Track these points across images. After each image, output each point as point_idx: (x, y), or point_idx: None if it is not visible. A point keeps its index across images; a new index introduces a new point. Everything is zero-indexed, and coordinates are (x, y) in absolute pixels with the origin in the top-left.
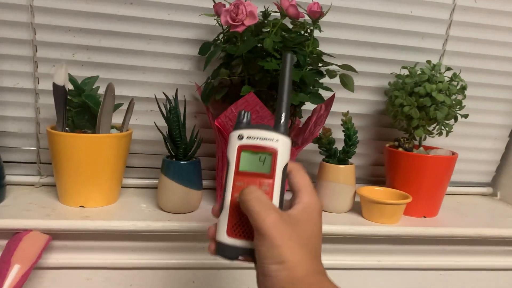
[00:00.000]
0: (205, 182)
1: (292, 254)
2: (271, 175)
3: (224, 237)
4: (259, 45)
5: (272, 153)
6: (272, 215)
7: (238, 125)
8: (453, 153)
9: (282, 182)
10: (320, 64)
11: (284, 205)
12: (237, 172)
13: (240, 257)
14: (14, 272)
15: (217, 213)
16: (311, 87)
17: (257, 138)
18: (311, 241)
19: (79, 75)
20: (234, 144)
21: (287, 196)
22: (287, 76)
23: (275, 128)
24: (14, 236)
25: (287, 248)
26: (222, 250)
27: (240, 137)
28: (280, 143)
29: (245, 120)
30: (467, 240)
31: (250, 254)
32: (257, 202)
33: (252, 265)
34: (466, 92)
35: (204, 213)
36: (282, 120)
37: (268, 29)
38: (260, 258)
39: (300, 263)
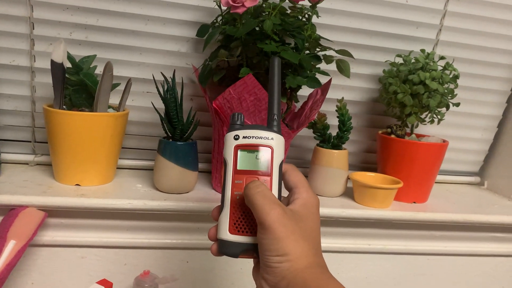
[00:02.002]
0: (200, 165)
1: (295, 247)
2: (269, 172)
3: (227, 234)
4: (257, 28)
5: (268, 151)
6: (276, 210)
7: (232, 127)
8: (444, 141)
9: (279, 179)
10: (317, 49)
11: (281, 202)
12: (236, 171)
13: (242, 253)
14: (10, 248)
15: (217, 215)
16: (308, 71)
17: (253, 137)
18: (312, 235)
19: (77, 54)
20: (230, 144)
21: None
22: (276, 79)
23: (269, 127)
24: (10, 212)
25: (290, 242)
26: (225, 247)
27: (236, 137)
28: (275, 141)
29: (239, 121)
30: (455, 225)
31: (252, 250)
32: (262, 196)
33: None
34: (457, 82)
35: (199, 194)
36: (275, 119)
37: (268, 12)
38: (263, 251)
39: (302, 256)
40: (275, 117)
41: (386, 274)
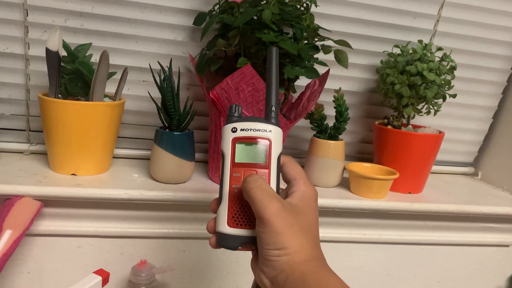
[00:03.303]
0: (197, 155)
1: (293, 241)
2: (267, 165)
3: (225, 228)
4: (255, 17)
5: (266, 143)
6: (275, 204)
7: (230, 119)
8: (440, 132)
9: (277, 171)
10: (316, 39)
11: (280, 194)
12: (234, 164)
13: (241, 246)
14: (6, 237)
15: (215, 208)
16: (306, 62)
17: (251, 130)
18: (311, 229)
19: (71, 42)
20: (228, 137)
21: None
22: (273, 70)
23: (267, 119)
24: (6, 201)
25: (289, 235)
26: (223, 240)
27: (234, 130)
28: (273, 133)
29: (236, 113)
30: (449, 216)
31: (250, 242)
32: (260, 190)
33: None
34: (454, 73)
35: (196, 184)
36: (273, 111)
37: (266, 1)
38: (262, 245)
39: (300, 250)
40: (273, 109)
41: (380, 264)
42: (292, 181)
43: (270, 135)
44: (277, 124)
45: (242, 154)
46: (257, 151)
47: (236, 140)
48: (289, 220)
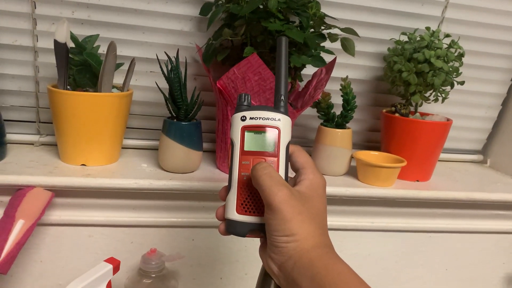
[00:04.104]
0: (204, 145)
1: (302, 227)
2: (275, 153)
3: (234, 214)
4: (261, 6)
5: (275, 132)
6: (283, 191)
7: (239, 108)
8: (448, 120)
9: (286, 160)
10: (322, 27)
11: (288, 183)
12: (243, 152)
13: (249, 233)
14: (19, 227)
15: (224, 196)
16: (312, 50)
17: (260, 118)
18: (319, 216)
19: (79, 33)
20: (237, 125)
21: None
22: (283, 59)
23: (276, 107)
24: (18, 192)
25: (297, 222)
26: (232, 227)
27: (243, 118)
28: (282, 122)
29: (245, 102)
30: (457, 203)
31: (259, 229)
32: (269, 177)
33: None
34: (462, 60)
35: (204, 173)
36: (282, 100)
37: None
38: (270, 231)
39: (308, 236)
40: (282, 97)
41: (388, 251)
42: (301, 170)
43: (279, 124)
44: (286, 113)
45: (251, 142)
46: (266, 139)
47: (245, 129)
48: (297, 207)
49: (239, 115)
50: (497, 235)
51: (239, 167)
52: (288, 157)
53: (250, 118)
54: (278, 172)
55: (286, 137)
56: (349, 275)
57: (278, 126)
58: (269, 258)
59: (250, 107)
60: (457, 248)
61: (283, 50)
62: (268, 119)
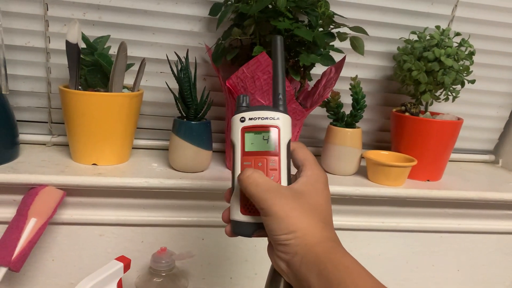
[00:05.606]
0: (214, 145)
1: (299, 223)
2: (276, 152)
3: (239, 215)
4: (270, 5)
5: (275, 131)
6: (271, 193)
7: (238, 109)
8: (459, 119)
9: (287, 158)
10: (331, 26)
11: (291, 180)
12: (244, 153)
13: (255, 233)
14: (31, 225)
15: (229, 198)
16: (322, 49)
17: (259, 118)
18: (318, 210)
19: (90, 34)
20: (237, 127)
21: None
22: (279, 58)
23: (274, 107)
24: (30, 190)
25: (292, 219)
26: (238, 228)
27: (242, 120)
28: (281, 120)
29: (244, 103)
30: (468, 203)
31: (264, 229)
32: (254, 186)
33: None
34: (473, 59)
35: (214, 173)
36: (280, 98)
37: None
38: (269, 231)
39: (309, 231)
40: (280, 96)
41: (399, 252)
42: (301, 167)
43: (279, 123)
44: (285, 111)
45: (251, 143)
46: (266, 139)
47: (245, 130)
48: (289, 204)
49: (238, 116)
50: (509, 235)
51: (241, 168)
52: (290, 155)
53: (249, 119)
54: (280, 170)
55: (286, 136)
56: (356, 269)
57: (277, 125)
58: (276, 257)
59: (249, 108)
60: (469, 249)
61: (279, 49)
62: (267, 118)
